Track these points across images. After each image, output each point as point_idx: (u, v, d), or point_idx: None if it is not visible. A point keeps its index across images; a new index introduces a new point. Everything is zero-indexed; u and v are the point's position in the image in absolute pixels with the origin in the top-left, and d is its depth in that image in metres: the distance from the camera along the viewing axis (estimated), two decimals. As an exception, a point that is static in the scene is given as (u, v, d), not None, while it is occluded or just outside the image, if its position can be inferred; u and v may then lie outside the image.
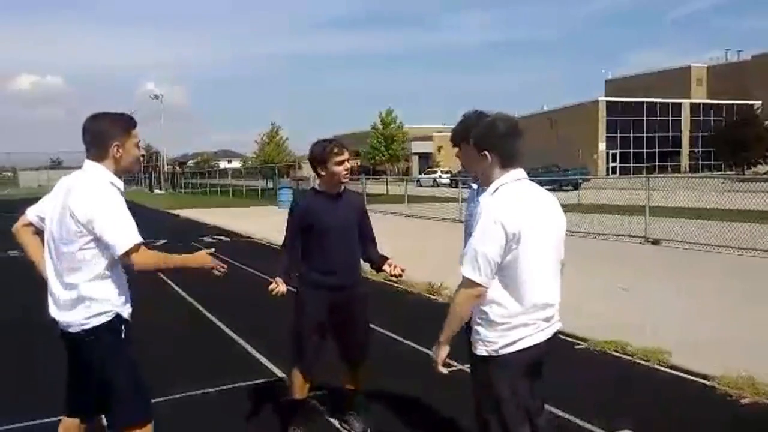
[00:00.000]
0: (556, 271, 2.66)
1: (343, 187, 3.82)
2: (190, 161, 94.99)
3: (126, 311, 2.89)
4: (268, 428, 4.12)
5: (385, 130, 54.26)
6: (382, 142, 54.15)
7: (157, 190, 55.18)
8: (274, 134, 56.47)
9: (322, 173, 3.71)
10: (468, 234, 3.32)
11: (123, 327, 2.85)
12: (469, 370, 2.76)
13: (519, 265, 2.50)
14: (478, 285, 2.46)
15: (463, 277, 2.49)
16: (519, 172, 2.61)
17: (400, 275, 3.81)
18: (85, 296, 2.76)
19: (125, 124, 2.90)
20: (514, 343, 2.54)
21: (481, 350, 2.58)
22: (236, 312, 7.61)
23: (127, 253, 2.70)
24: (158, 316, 7.04)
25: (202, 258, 3.03)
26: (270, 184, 39.51)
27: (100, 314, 2.78)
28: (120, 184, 2.88)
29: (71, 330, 2.80)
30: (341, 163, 3.67)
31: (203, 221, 21.57)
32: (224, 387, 4.92)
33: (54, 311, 2.84)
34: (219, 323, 7.08)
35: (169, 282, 9.48)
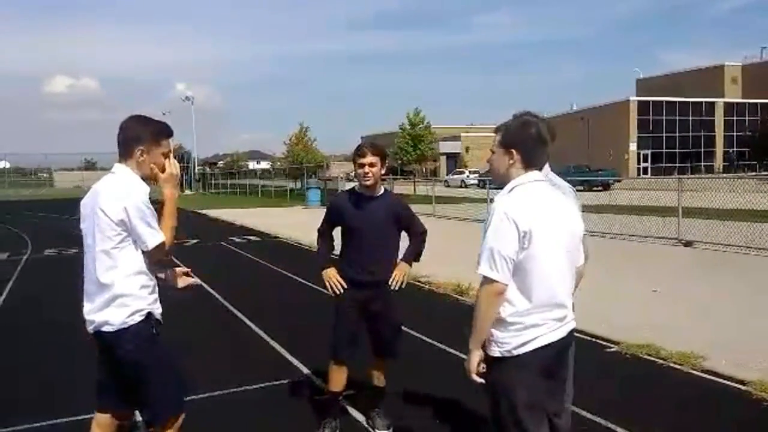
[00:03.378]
0: (570, 274, 2.66)
1: (382, 190, 3.95)
2: (220, 162, 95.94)
3: (157, 311, 2.95)
4: (299, 426, 4.14)
5: (413, 130, 54.14)
6: (409, 143, 54.05)
7: (187, 191, 55.85)
8: (302, 135, 56.73)
9: (354, 174, 3.94)
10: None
11: (155, 326, 2.90)
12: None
13: (530, 264, 2.50)
14: (497, 282, 2.46)
15: (482, 276, 2.50)
16: (537, 174, 2.63)
17: (392, 286, 3.88)
18: (120, 295, 2.82)
19: (156, 130, 2.93)
20: (527, 343, 2.54)
21: (494, 351, 2.57)
22: (265, 311, 7.66)
23: (155, 249, 2.82)
24: (186, 314, 7.12)
25: (170, 182, 2.97)
26: (298, 185, 39.76)
27: (134, 313, 2.83)
28: (147, 188, 2.90)
29: (107, 329, 2.84)
30: (361, 165, 3.81)
31: (232, 221, 21.80)
32: (252, 387, 4.97)
33: (89, 312, 2.88)
34: (248, 322, 7.13)
35: (197, 279, 9.59)
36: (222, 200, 37.48)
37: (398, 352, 4.09)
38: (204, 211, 26.97)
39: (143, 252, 2.85)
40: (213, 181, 58.76)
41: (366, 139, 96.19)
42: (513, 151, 2.62)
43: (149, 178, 2.95)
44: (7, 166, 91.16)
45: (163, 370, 2.91)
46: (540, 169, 2.66)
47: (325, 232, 4.07)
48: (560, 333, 2.62)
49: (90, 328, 2.90)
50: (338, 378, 3.97)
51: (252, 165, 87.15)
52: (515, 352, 2.54)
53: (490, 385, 2.61)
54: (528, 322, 2.53)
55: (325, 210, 4.15)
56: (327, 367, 4.07)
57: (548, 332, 2.57)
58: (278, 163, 58.42)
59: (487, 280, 2.48)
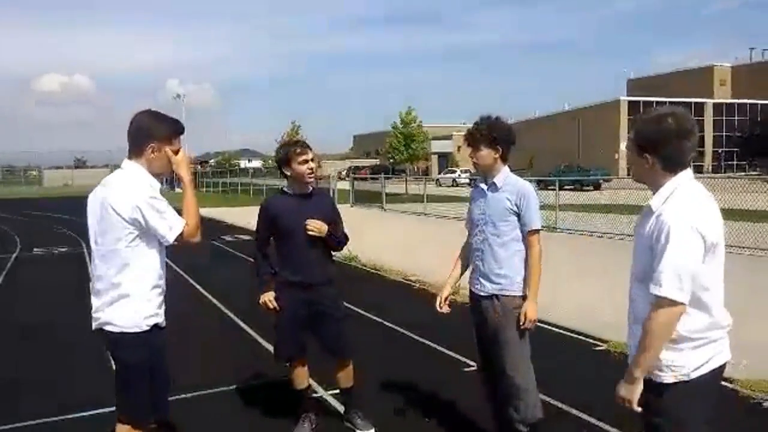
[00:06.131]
0: None
1: (311, 189, 3.93)
2: (212, 160, 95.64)
3: (162, 317, 2.92)
4: (283, 420, 4.15)
5: (405, 129, 54.17)
6: (401, 142, 54.10)
7: (178, 189, 55.53)
8: (294, 133, 56.67)
9: (288, 174, 3.85)
10: (479, 231, 3.51)
11: (153, 328, 2.86)
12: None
13: (708, 275, 2.24)
14: (682, 304, 2.18)
15: (662, 298, 2.17)
16: (689, 173, 2.32)
17: (308, 226, 3.76)
18: (128, 295, 2.79)
19: (169, 128, 2.88)
20: (706, 363, 2.28)
21: (666, 377, 2.28)
22: (254, 309, 7.63)
23: (178, 239, 2.81)
24: (175, 312, 7.10)
25: (184, 165, 2.94)
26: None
27: (142, 319, 2.81)
28: (157, 185, 2.87)
29: (110, 329, 2.82)
30: (305, 162, 3.80)
31: (224, 220, 21.71)
32: (242, 385, 4.98)
33: (97, 308, 2.85)
34: (238, 320, 7.14)
35: (187, 277, 9.58)
36: (213, 199, 37.35)
37: (349, 350, 4.05)
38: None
39: (166, 245, 2.84)
40: (204, 180, 58.53)
41: (358, 138, 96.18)
42: (647, 155, 2.29)
43: (161, 174, 2.90)
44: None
45: (142, 375, 2.85)
46: (688, 167, 2.32)
47: (263, 247, 3.98)
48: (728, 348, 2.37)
49: (95, 324, 2.87)
50: (295, 376, 4.01)
51: (244, 163, 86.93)
52: (693, 375, 2.26)
53: (653, 420, 2.34)
54: (708, 338, 2.29)
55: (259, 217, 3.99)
56: (318, 365, 4.09)
57: (724, 349, 2.35)
58: (270, 162, 58.30)
59: (670, 303, 2.16)
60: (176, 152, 2.90)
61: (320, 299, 3.87)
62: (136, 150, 2.83)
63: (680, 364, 2.26)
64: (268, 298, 3.89)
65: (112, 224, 2.74)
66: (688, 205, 2.21)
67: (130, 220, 2.72)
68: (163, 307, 2.94)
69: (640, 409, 2.30)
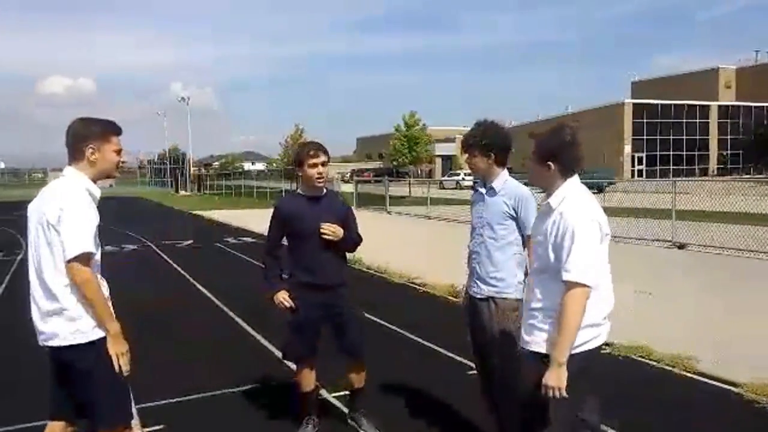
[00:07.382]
0: None
1: (324, 191, 3.92)
2: (215, 163, 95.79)
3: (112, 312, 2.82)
4: (284, 423, 4.15)
5: (408, 132, 54.11)
6: (405, 144, 54.05)
7: (183, 192, 55.75)
8: (298, 136, 56.70)
9: (300, 174, 3.89)
10: (477, 234, 3.53)
11: (103, 337, 2.77)
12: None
13: (603, 262, 2.63)
14: (589, 287, 2.51)
15: (573, 283, 2.49)
16: (577, 178, 2.72)
17: (323, 229, 3.74)
18: (68, 306, 2.71)
19: (104, 128, 2.88)
20: (589, 341, 2.61)
21: (548, 348, 2.59)
22: (259, 312, 7.64)
23: (73, 260, 2.65)
24: (180, 315, 7.15)
25: (118, 344, 2.79)
26: (294, 186, 39.64)
27: (82, 325, 2.72)
28: (96, 191, 2.85)
29: (55, 342, 2.76)
30: (315, 165, 3.79)
31: (228, 222, 21.75)
32: (246, 387, 4.98)
33: (38, 321, 2.80)
34: (242, 322, 7.13)
35: (192, 280, 9.58)
36: (217, 201, 37.40)
37: (363, 351, 4.03)
38: (199, 212, 26.89)
39: (66, 263, 2.65)
40: (208, 182, 58.64)
41: (362, 140, 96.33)
42: (549, 164, 2.67)
43: (104, 176, 2.89)
44: (2, 166, 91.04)
45: (112, 377, 2.78)
46: (577, 173, 2.71)
47: (273, 250, 3.97)
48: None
49: (40, 339, 2.81)
50: (302, 378, 3.98)
51: (247, 166, 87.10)
52: (579, 350, 2.58)
53: (525, 385, 2.66)
54: (592, 321, 2.60)
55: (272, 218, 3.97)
56: (321, 367, 4.08)
57: (604, 333, 2.68)
58: (274, 165, 58.40)
59: (581, 287, 2.49)
60: (118, 152, 2.91)
61: (336, 301, 3.87)
62: (76, 155, 2.83)
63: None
64: (283, 296, 3.86)
65: (46, 232, 2.71)
66: (584, 203, 2.60)
67: (56, 222, 2.67)
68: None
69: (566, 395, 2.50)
